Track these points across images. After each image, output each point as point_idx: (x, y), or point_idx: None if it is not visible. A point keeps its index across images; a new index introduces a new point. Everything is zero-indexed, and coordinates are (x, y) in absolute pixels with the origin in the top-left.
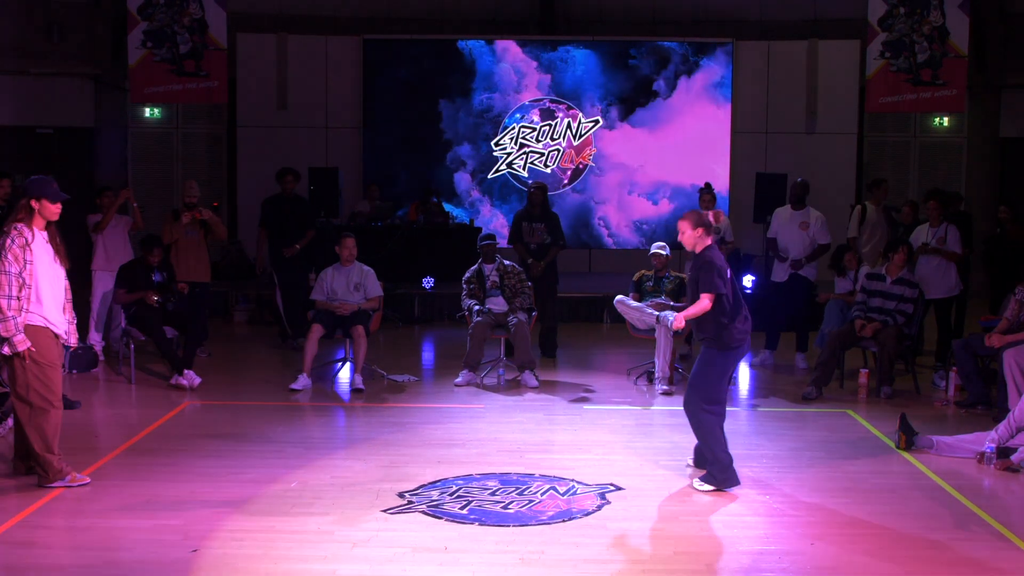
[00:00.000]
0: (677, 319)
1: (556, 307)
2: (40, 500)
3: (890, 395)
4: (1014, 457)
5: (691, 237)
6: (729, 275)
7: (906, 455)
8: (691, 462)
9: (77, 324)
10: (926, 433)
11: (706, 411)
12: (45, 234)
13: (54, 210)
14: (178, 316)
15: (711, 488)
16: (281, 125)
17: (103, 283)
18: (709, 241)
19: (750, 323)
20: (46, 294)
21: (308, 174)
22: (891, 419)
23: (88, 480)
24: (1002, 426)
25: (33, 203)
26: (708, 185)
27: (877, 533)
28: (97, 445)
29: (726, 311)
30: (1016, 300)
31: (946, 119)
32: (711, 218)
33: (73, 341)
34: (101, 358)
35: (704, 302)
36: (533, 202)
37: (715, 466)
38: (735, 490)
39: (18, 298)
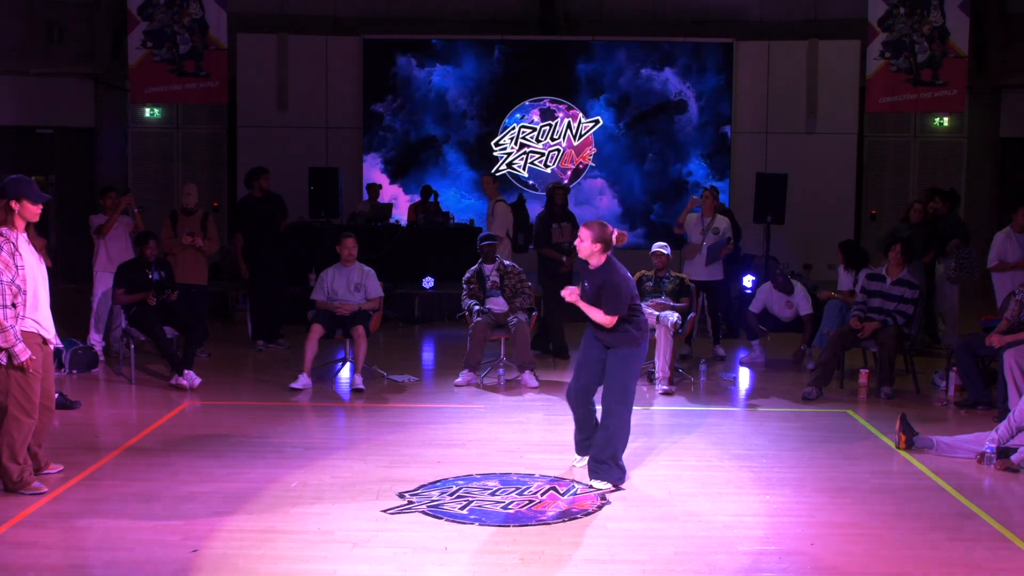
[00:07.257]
0: (570, 296)
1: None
2: (40, 500)
3: (890, 395)
4: (1014, 457)
5: (588, 249)
6: (633, 283)
7: (906, 455)
8: (579, 458)
9: (77, 324)
10: (926, 433)
11: (622, 404)
12: (24, 235)
13: (35, 211)
14: (178, 317)
15: (609, 487)
16: (281, 125)
17: (104, 283)
18: (604, 258)
19: (647, 325)
20: (39, 297)
21: (308, 174)
22: (891, 419)
23: (46, 489)
24: (1002, 426)
25: (13, 204)
26: (713, 188)
27: (877, 533)
28: (97, 445)
29: (630, 321)
30: (1016, 300)
31: (946, 119)
32: (614, 239)
33: (58, 342)
34: (101, 358)
35: (603, 317)
36: (557, 202)
37: (612, 462)
38: (730, 488)
39: (13, 305)
